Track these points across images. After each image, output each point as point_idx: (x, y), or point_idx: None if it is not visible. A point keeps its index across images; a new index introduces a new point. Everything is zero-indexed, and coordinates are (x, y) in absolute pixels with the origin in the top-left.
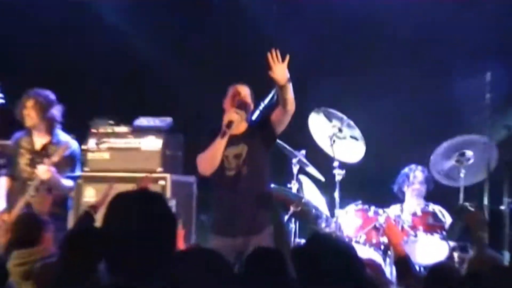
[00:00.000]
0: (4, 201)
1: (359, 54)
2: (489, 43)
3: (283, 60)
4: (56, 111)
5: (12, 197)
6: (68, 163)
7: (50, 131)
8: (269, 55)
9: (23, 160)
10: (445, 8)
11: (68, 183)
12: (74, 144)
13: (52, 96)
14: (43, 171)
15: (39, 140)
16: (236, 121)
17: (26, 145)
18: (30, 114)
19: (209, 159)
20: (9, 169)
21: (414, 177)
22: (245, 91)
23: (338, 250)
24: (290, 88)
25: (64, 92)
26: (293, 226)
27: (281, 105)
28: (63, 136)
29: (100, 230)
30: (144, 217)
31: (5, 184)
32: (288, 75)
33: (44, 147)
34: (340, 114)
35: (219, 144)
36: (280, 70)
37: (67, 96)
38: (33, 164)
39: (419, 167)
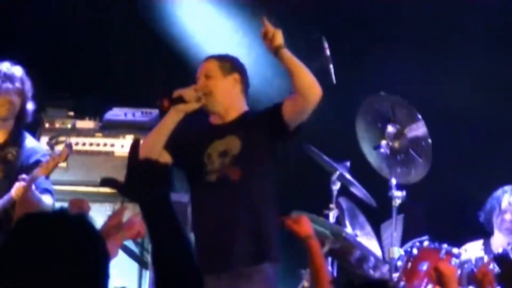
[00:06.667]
0: None
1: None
2: None
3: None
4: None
5: None
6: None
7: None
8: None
9: None
10: None
11: (48, 200)
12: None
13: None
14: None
15: None
16: (190, 99)
17: None
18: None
19: (143, 149)
20: None
21: (509, 203)
22: (208, 69)
23: None
24: (290, 57)
25: None
26: (329, 269)
27: (294, 88)
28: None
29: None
30: (55, 250)
31: None
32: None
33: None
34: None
35: (159, 126)
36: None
37: None
38: None
39: None
